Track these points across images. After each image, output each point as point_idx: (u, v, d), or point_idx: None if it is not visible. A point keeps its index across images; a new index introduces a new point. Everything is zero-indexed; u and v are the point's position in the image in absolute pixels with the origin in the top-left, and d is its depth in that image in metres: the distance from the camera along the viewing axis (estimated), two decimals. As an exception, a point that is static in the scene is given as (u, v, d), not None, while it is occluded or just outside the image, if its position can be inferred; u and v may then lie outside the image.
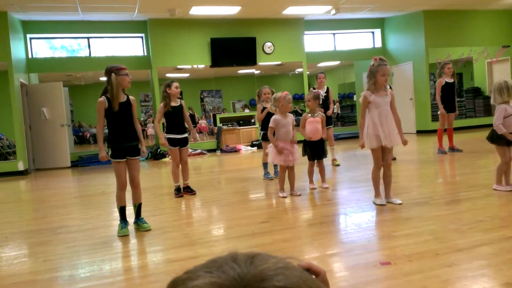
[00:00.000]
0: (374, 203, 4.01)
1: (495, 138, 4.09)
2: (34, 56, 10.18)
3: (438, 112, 7.19)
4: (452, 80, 7.09)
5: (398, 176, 5.79)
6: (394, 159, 6.82)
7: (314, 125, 4.83)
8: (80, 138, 12.88)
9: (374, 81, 3.76)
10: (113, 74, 3.48)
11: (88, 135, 13.06)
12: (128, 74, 3.60)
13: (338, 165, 6.76)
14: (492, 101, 4.13)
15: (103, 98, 3.55)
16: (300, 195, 4.69)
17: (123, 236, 3.54)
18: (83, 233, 3.79)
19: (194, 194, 5.18)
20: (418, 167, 6.33)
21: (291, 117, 4.67)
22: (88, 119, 12.85)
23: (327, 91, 6.73)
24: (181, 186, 5.21)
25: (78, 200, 5.90)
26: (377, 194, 4.03)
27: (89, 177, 8.04)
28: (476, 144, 8.11)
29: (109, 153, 3.62)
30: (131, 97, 3.68)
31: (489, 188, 4.33)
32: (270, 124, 4.58)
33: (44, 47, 10.51)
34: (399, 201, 3.97)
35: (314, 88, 6.68)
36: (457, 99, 7.31)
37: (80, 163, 10.03)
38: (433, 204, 3.93)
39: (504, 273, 2.30)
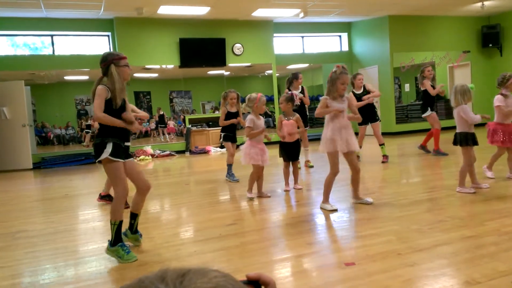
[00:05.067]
0: (323, 209, 3.98)
1: (463, 139, 4.20)
2: (-6, 54, 9.78)
3: (426, 115, 7.13)
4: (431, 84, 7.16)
5: (362, 177, 5.89)
6: (358, 157, 6.95)
7: (289, 128, 4.89)
8: (43, 139, 12.43)
9: (335, 88, 3.83)
10: (112, 65, 2.89)
11: (51, 135, 12.63)
12: (128, 64, 3.03)
13: (311, 166, 6.82)
14: (454, 103, 4.25)
15: (104, 87, 2.89)
16: (269, 196, 4.71)
17: (135, 261, 2.89)
18: (43, 238, 3.66)
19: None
20: (382, 168, 6.47)
21: (263, 119, 4.73)
22: (52, 119, 12.43)
23: (302, 91, 6.73)
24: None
25: (40, 203, 5.69)
26: (326, 200, 4.00)
27: (52, 179, 7.78)
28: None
29: (109, 149, 2.86)
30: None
31: (449, 189, 4.48)
32: (248, 124, 4.58)
33: (5, 45, 10.11)
34: (370, 200, 4.06)
35: (289, 89, 6.71)
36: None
37: (42, 165, 9.70)
38: (396, 204, 4.03)
39: (463, 272, 2.38)
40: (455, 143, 4.30)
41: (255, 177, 4.72)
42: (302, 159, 6.82)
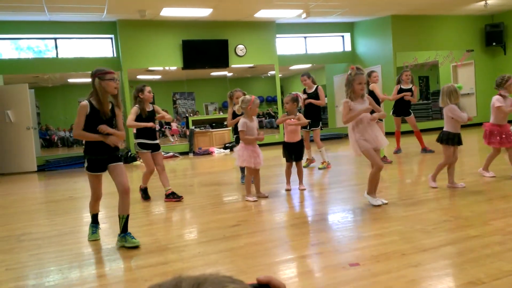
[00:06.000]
0: (371, 203, 3.99)
1: (444, 138, 4.40)
2: (-2, 57, 9.85)
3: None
4: (409, 87, 7.42)
5: (366, 178, 5.87)
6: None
7: (292, 127, 4.91)
8: (47, 142, 12.50)
9: (352, 90, 3.85)
10: (96, 79, 3.15)
11: (55, 138, 12.69)
12: (115, 78, 3.24)
13: (320, 168, 6.66)
14: (441, 103, 4.40)
15: (86, 102, 3.17)
16: (267, 196, 4.71)
17: (94, 240, 3.49)
18: (48, 240, 3.68)
19: (181, 200, 4.90)
20: (385, 168, 6.42)
21: (256, 121, 4.76)
22: (56, 122, 12.49)
23: (316, 91, 6.59)
24: (165, 193, 4.98)
25: (44, 205, 5.72)
26: (372, 192, 4.02)
27: (56, 182, 7.81)
28: (440, 145, 8.35)
29: (85, 164, 3.31)
30: (116, 108, 3.32)
31: (452, 188, 4.47)
32: (241, 128, 4.60)
33: (10, 48, 10.17)
34: (385, 201, 4.04)
35: (304, 91, 6.69)
36: (416, 104, 7.76)
37: (47, 167, 9.74)
38: (400, 204, 4.02)
39: (467, 272, 2.37)
40: (438, 140, 4.50)
41: (250, 179, 4.73)
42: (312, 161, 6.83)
